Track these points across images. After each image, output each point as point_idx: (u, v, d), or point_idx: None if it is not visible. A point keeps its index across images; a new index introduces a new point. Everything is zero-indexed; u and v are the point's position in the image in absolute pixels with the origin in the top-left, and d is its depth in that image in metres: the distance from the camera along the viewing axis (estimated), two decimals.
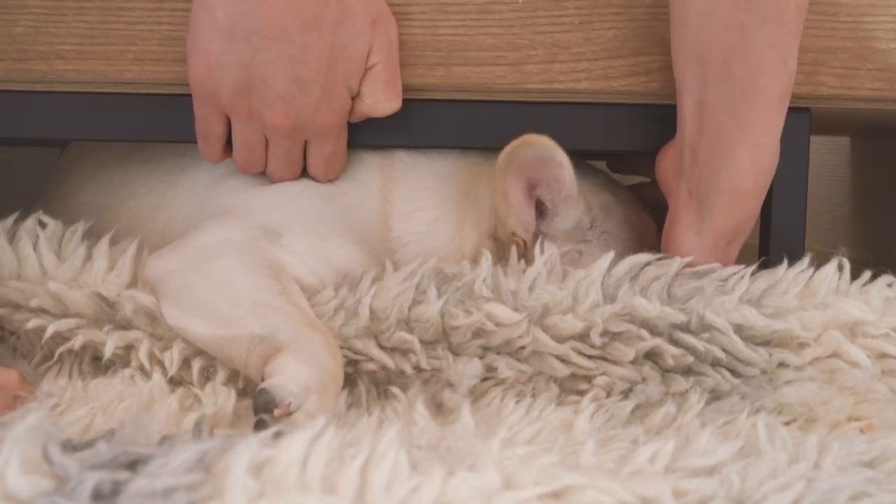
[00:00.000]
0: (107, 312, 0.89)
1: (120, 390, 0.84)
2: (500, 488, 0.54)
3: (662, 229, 1.00)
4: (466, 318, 0.85)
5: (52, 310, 0.90)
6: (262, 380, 0.77)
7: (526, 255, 0.96)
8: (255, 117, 0.95)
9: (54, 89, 1.01)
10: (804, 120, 1.03)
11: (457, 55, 1.00)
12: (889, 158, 1.48)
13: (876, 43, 1.00)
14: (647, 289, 0.88)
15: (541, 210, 0.98)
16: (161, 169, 1.10)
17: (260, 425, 0.71)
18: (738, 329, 0.86)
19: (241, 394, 0.86)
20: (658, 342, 0.86)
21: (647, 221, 1.07)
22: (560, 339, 0.86)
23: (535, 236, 0.98)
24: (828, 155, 1.70)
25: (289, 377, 0.75)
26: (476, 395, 0.87)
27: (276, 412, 0.72)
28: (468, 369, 0.85)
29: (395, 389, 0.86)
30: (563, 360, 0.87)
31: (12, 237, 0.96)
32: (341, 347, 0.85)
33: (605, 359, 0.87)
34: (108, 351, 0.88)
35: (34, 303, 0.90)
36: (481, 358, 0.87)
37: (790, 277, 0.91)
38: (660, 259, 0.92)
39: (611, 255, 0.91)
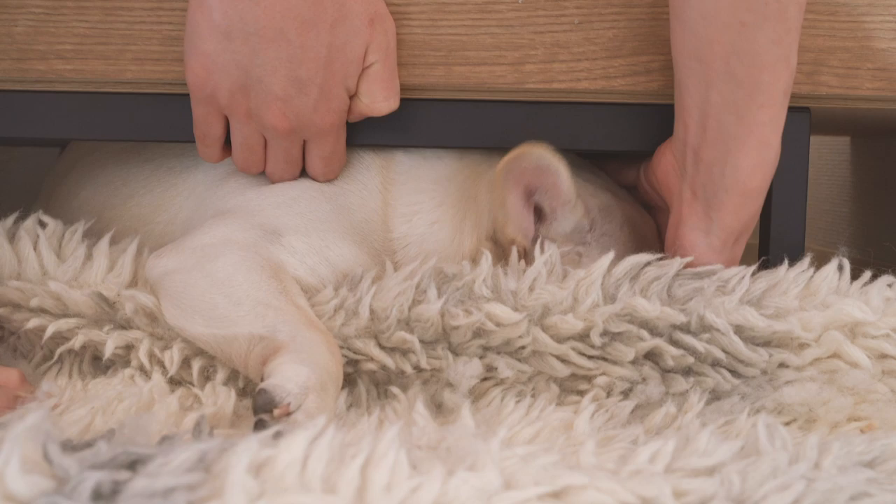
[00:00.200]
0: (107, 312, 0.89)
1: (119, 390, 0.84)
2: (500, 488, 0.54)
3: (662, 230, 1.00)
4: (466, 317, 0.85)
5: (52, 309, 0.90)
6: (262, 380, 0.77)
7: (526, 258, 0.96)
8: (254, 118, 0.95)
9: (54, 89, 1.01)
10: (804, 119, 1.03)
11: (456, 55, 1.00)
12: (890, 158, 1.47)
13: (876, 42, 1.00)
14: (647, 289, 0.88)
15: (539, 214, 0.99)
16: (161, 169, 1.10)
17: (259, 425, 0.71)
18: (739, 330, 0.86)
19: (241, 393, 0.86)
20: (658, 342, 0.86)
21: (647, 221, 1.07)
22: (560, 339, 0.86)
23: (535, 240, 0.98)
24: (828, 155, 1.70)
25: (288, 377, 0.75)
26: (476, 395, 0.87)
27: (276, 412, 0.72)
28: (468, 369, 0.85)
29: (395, 389, 0.86)
30: (563, 360, 0.87)
31: (12, 237, 0.96)
32: (341, 347, 0.85)
33: (605, 359, 0.87)
34: (107, 351, 0.88)
35: (34, 303, 0.90)
36: (481, 358, 0.87)
37: (791, 278, 0.91)
38: (660, 259, 0.92)
39: (611, 255, 0.91)
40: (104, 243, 0.95)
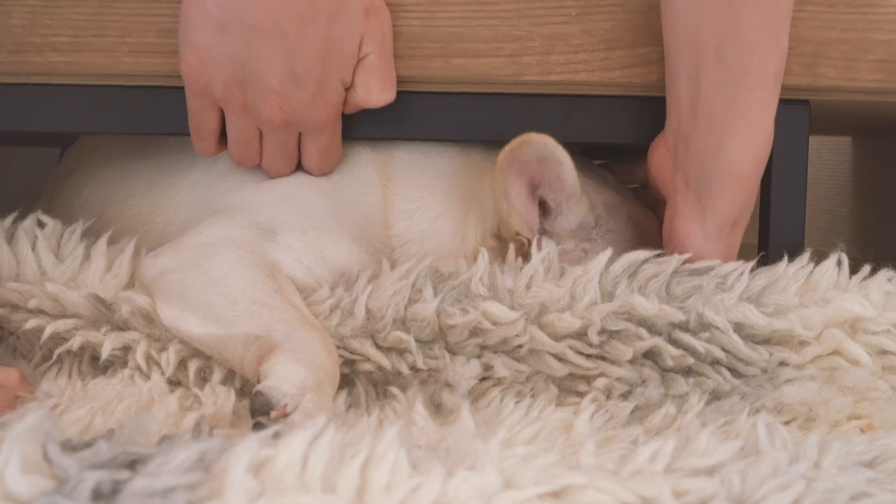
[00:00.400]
0: (104, 313, 0.89)
1: (119, 390, 0.84)
2: (500, 488, 0.54)
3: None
4: (463, 316, 0.85)
5: (50, 310, 0.90)
6: (259, 380, 0.77)
7: (525, 258, 0.95)
8: (250, 111, 0.95)
9: (50, 82, 1.00)
10: (803, 112, 1.03)
11: (454, 47, 0.99)
12: (891, 158, 1.48)
13: (876, 34, 0.99)
14: (645, 287, 0.87)
15: (544, 209, 0.98)
16: (160, 168, 1.10)
17: (257, 428, 0.71)
18: (738, 328, 0.86)
19: (241, 393, 0.86)
20: (657, 341, 0.85)
21: (651, 219, 1.06)
22: (557, 338, 0.86)
23: (539, 236, 0.97)
24: (829, 155, 1.70)
25: (284, 378, 0.75)
26: (475, 395, 0.87)
27: (273, 414, 0.71)
28: (466, 370, 0.85)
29: (394, 390, 0.86)
30: (560, 358, 0.86)
31: (11, 237, 0.95)
32: (338, 347, 0.85)
33: (603, 357, 0.86)
34: (104, 353, 0.88)
35: (32, 304, 0.90)
36: (478, 357, 0.86)
37: (790, 274, 0.91)
38: (658, 256, 0.92)
39: (608, 251, 0.90)
40: (102, 244, 0.94)
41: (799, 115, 1.02)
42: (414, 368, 0.86)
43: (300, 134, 0.98)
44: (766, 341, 0.86)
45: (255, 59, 0.91)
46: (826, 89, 1.01)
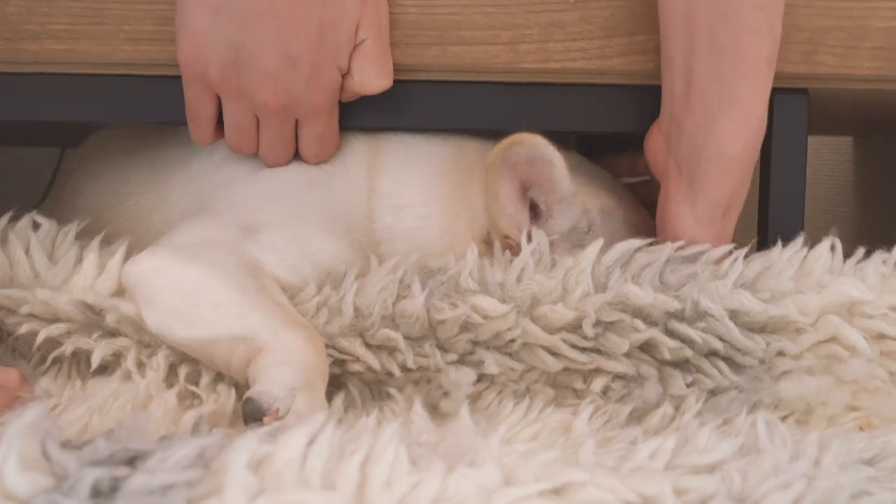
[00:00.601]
0: (94, 319, 0.88)
1: (116, 388, 0.84)
2: (500, 485, 0.54)
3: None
4: (452, 311, 0.84)
5: (42, 315, 0.89)
6: (247, 383, 0.77)
7: (514, 254, 0.94)
8: (246, 96, 0.94)
9: (47, 71, 1.00)
10: (802, 101, 1.02)
11: (451, 34, 0.99)
12: (891, 158, 1.48)
13: (873, 21, 0.99)
14: (639, 276, 0.87)
15: (535, 211, 0.97)
16: (158, 168, 1.09)
17: None
18: (734, 315, 0.85)
19: (241, 391, 0.85)
20: (653, 333, 0.85)
21: (649, 224, 1.04)
22: (551, 331, 0.85)
23: (529, 227, 0.96)
24: (829, 155, 1.71)
25: (273, 381, 0.74)
26: (472, 397, 0.86)
27: (266, 420, 0.71)
28: (461, 376, 0.84)
29: (391, 390, 0.86)
30: (554, 352, 0.86)
31: (5, 239, 0.95)
32: (327, 346, 0.84)
33: (598, 351, 0.86)
34: (94, 361, 0.87)
35: (24, 310, 0.89)
36: (470, 354, 0.86)
37: (784, 259, 0.90)
38: (651, 244, 0.91)
39: (599, 241, 0.89)
40: (94, 246, 0.93)
41: (797, 103, 1.02)
42: (405, 368, 0.85)
43: (297, 121, 0.98)
44: (762, 329, 0.86)
45: (250, 41, 0.91)
46: (825, 77, 1.01)
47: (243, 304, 0.82)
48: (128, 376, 0.87)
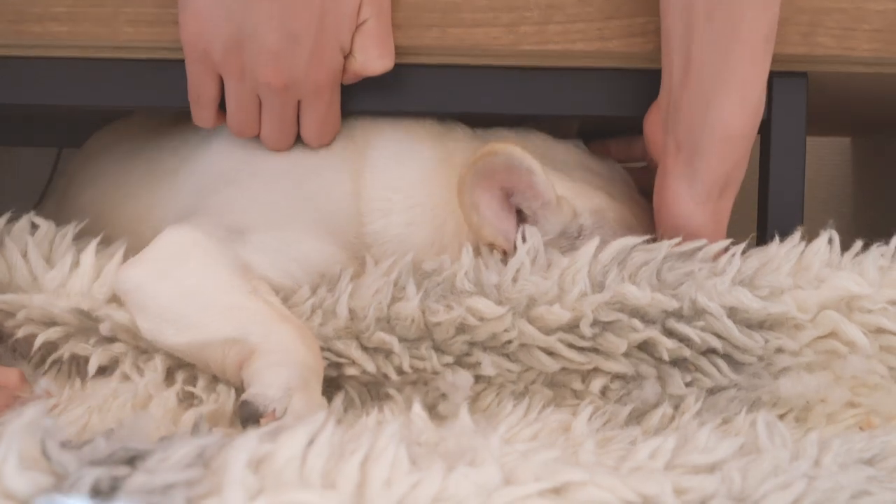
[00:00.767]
0: (91, 324, 0.88)
1: (115, 387, 0.83)
2: (500, 484, 0.54)
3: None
4: (447, 313, 0.84)
5: (40, 319, 0.89)
6: (242, 385, 0.76)
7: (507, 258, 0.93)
8: (248, 75, 0.94)
9: (49, 54, 1.00)
10: (801, 85, 1.03)
11: (451, 16, 0.99)
12: (891, 158, 1.48)
13: (871, 3, 0.99)
14: (636, 275, 0.86)
15: (522, 217, 0.95)
16: (156, 168, 1.09)
17: None
18: (732, 312, 0.85)
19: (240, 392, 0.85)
20: (651, 333, 0.84)
21: (644, 219, 1.03)
22: (547, 331, 0.84)
23: (523, 226, 0.94)
24: (828, 155, 1.71)
25: (268, 383, 0.74)
26: (470, 399, 0.85)
27: (263, 422, 0.71)
28: (458, 379, 0.84)
29: (390, 391, 0.85)
30: (551, 353, 0.85)
31: (2, 241, 0.94)
32: (322, 349, 0.84)
33: (596, 350, 0.85)
34: (91, 368, 0.87)
35: (21, 315, 0.89)
36: (467, 355, 0.85)
37: (782, 254, 0.90)
38: (647, 242, 0.90)
39: (595, 240, 0.89)
40: (91, 249, 0.92)
41: (796, 87, 1.02)
42: (401, 371, 0.85)
43: (299, 103, 0.97)
44: (760, 326, 0.85)
45: (252, 18, 0.91)
46: (824, 59, 1.01)
47: (233, 305, 0.82)
48: (126, 377, 0.87)
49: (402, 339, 0.85)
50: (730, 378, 0.85)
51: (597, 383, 0.86)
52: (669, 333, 0.85)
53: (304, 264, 0.93)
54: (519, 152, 0.90)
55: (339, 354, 0.85)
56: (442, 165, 1.03)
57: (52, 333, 0.88)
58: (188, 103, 0.99)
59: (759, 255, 0.91)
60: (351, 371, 0.85)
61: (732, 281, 0.86)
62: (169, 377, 0.87)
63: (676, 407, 0.84)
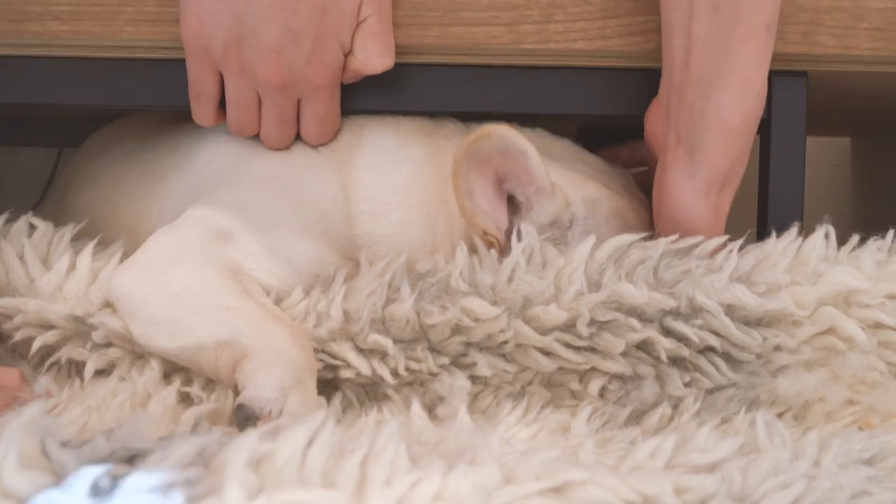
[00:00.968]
0: (86, 329, 0.88)
1: (114, 387, 0.83)
2: (500, 483, 0.54)
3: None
4: (442, 314, 0.83)
5: (37, 322, 0.88)
6: (237, 388, 0.76)
7: (501, 252, 0.92)
8: (248, 72, 0.94)
9: (50, 53, 1.00)
10: (801, 84, 1.03)
11: (452, 15, 0.99)
12: (890, 158, 1.48)
13: (872, 2, 1.00)
14: (632, 273, 0.85)
15: (514, 204, 0.94)
16: (154, 168, 1.09)
17: None
18: (730, 310, 0.84)
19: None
20: (649, 333, 0.84)
21: (640, 215, 1.02)
22: (543, 331, 0.84)
23: (509, 234, 0.93)
24: (828, 155, 1.71)
25: (262, 385, 0.74)
26: (468, 401, 0.85)
27: (259, 424, 0.71)
28: (455, 381, 0.83)
29: (390, 391, 0.85)
30: (547, 353, 0.84)
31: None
32: (317, 351, 0.83)
33: (593, 350, 0.85)
34: (87, 373, 0.87)
35: (18, 319, 0.88)
36: (463, 356, 0.85)
37: (779, 250, 0.90)
38: (644, 239, 0.90)
39: (591, 238, 0.88)
40: (87, 253, 0.92)
41: (796, 86, 1.02)
42: (397, 374, 0.84)
43: (299, 101, 0.97)
44: (758, 323, 0.85)
45: (253, 14, 0.91)
46: (824, 58, 1.01)
47: (225, 308, 0.82)
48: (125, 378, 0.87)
49: (396, 341, 0.84)
50: (728, 377, 0.85)
51: (595, 384, 0.85)
52: (667, 332, 0.84)
53: (296, 265, 0.92)
54: (513, 133, 0.89)
55: (333, 357, 0.85)
56: (432, 162, 1.02)
57: (49, 337, 0.88)
58: (188, 103, 0.99)
59: (756, 251, 0.90)
60: (346, 374, 0.85)
61: (730, 278, 0.86)
62: (165, 379, 0.86)
63: (675, 407, 0.83)
